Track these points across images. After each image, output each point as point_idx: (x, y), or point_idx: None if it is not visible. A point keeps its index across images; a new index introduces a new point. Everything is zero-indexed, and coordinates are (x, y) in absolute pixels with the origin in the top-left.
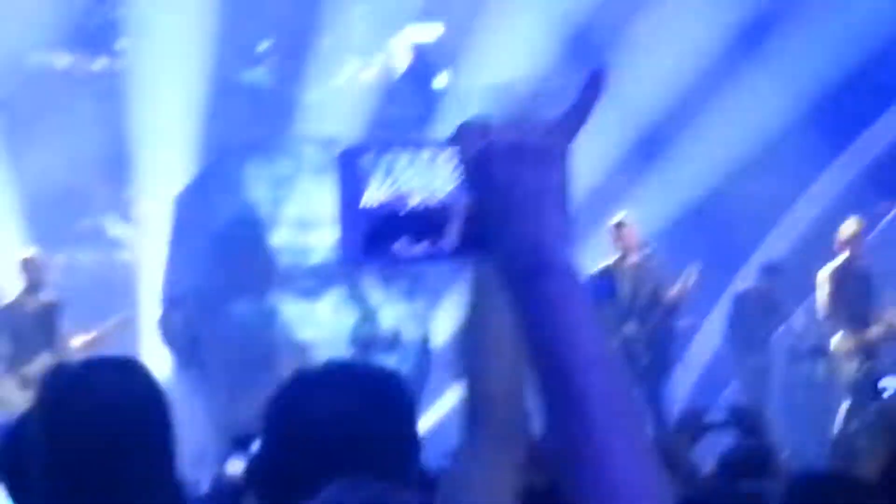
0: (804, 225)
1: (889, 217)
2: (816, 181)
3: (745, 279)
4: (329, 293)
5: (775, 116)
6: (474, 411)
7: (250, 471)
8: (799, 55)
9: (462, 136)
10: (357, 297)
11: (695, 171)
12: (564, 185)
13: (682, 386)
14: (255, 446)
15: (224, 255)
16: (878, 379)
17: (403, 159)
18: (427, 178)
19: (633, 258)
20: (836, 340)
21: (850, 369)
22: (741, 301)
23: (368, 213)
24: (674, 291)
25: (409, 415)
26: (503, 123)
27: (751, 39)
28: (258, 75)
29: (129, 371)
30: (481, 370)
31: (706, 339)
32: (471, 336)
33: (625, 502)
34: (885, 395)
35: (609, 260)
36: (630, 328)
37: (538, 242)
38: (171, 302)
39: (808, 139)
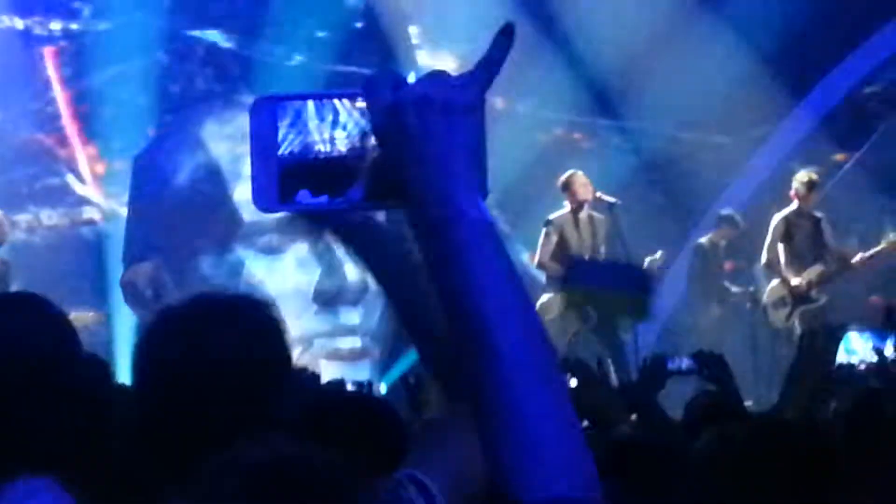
0: (762, 175)
1: (845, 167)
2: (773, 133)
3: (705, 230)
4: (293, 248)
5: (732, 68)
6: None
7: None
8: (754, 6)
9: (372, 88)
10: (321, 251)
11: (652, 124)
12: (477, 136)
13: (645, 334)
14: None
15: (187, 212)
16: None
17: (315, 109)
18: (339, 128)
19: (586, 211)
20: (771, 287)
21: (777, 318)
22: (700, 251)
23: (280, 160)
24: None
25: (278, 342)
26: (414, 76)
27: None
28: (216, 35)
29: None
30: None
31: (668, 289)
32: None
33: (540, 455)
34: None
35: (562, 212)
36: None
37: (448, 193)
38: (135, 260)
39: (764, 91)
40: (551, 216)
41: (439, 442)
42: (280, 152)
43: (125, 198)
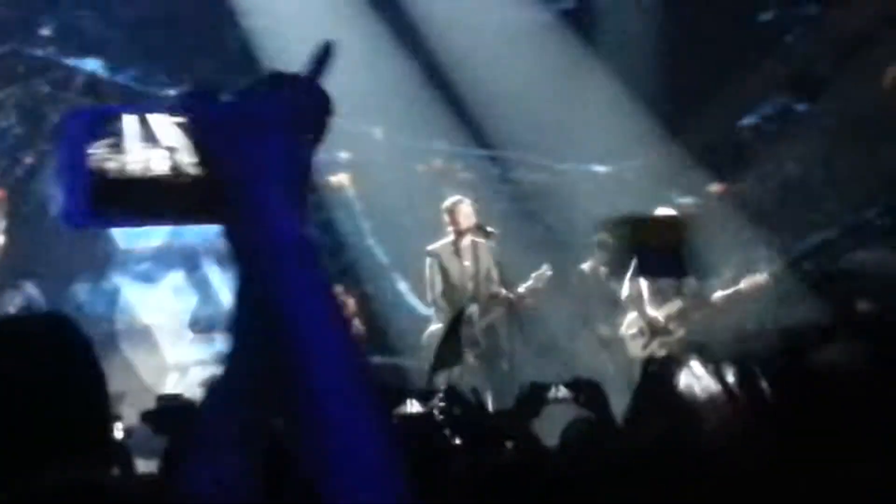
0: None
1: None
2: (651, 163)
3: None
4: (169, 275)
5: (609, 99)
6: None
7: None
8: (631, 39)
9: (189, 104)
10: (198, 280)
11: (530, 155)
12: (293, 154)
13: (524, 361)
14: None
15: (63, 239)
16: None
17: (132, 124)
18: (155, 144)
19: (469, 239)
20: (629, 319)
21: (634, 348)
22: (581, 277)
23: (93, 175)
24: (525, 293)
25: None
26: (228, 93)
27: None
28: (95, 64)
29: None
30: None
31: (550, 317)
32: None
33: (352, 472)
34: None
35: (445, 240)
36: (471, 312)
37: (263, 210)
38: (10, 287)
39: (641, 122)
40: (430, 247)
41: None
42: (93, 167)
43: (2, 226)
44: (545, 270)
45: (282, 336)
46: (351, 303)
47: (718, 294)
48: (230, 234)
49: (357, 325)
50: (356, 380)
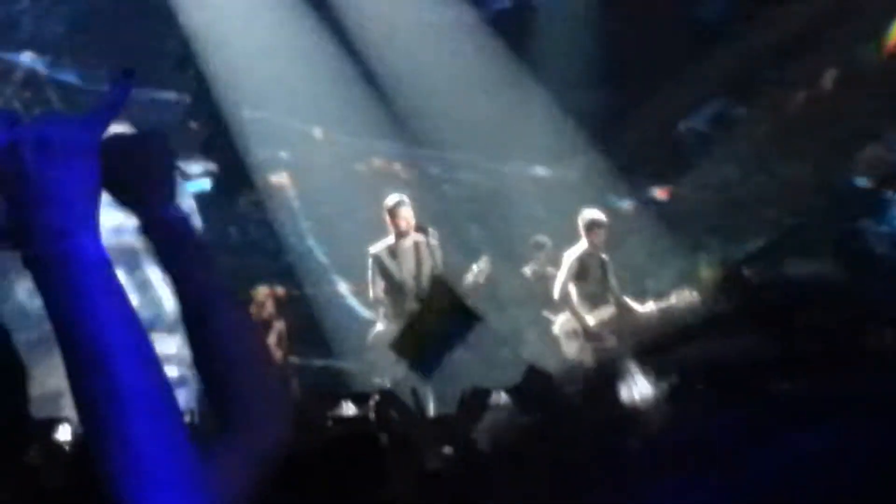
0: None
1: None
2: (593, 165)
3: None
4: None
5: (551, 101)
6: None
7: None
8: (574, 39)
9: None
10: (137, 279)
11: (471, 156)
12: (96, 175)
13: (469, 365)
14: None
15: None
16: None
17: None
18: None
19: (410, 239)
20: (561, 320)
21: (570, 349)
22: (525, 282)
23: None
24: (470, 291)
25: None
26: (31, 116)
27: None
28: (33, 59)
29: None
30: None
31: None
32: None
33: (149, 477)
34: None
35: (386, 241)
36: (411, 306)
37: (64, 232)
38: None
39: (584, 123)
40: (372, 248)
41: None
42: None
43: None
44: (484, 264)
45: (80, 353)
46: (269, 303)
47: (650, 305)
48: (34, 255)
49: (278, 324)
50: (157, 395)
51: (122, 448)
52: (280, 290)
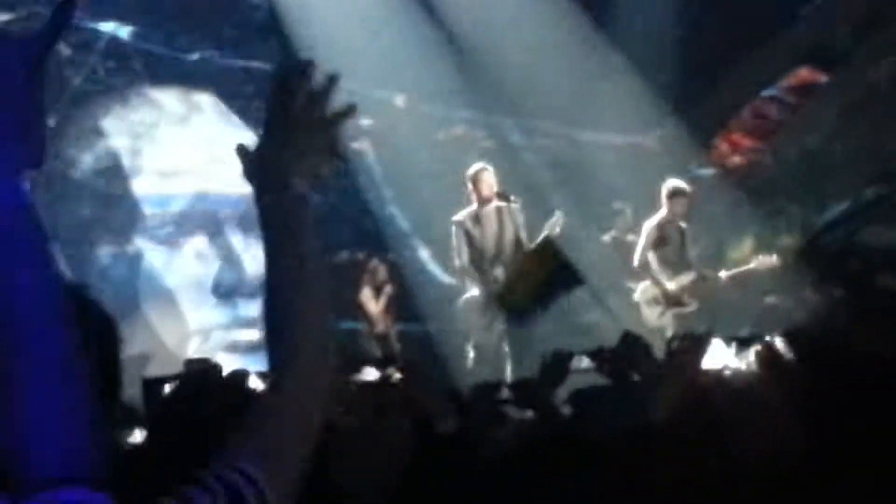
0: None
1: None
2: (670, 134)
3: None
4: (192, 240)
5: (629, 73)
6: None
7: None
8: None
9: None
10: (219, 244)
11: (550, 124)
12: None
13: (547, 331)
14: None
15: (85, 203)
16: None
17: None
18: None
19: (492, 206)
20: (642, 287)
21: (651, 315)
22: (605, 249)
23: None
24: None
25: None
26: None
27: None
28: (118, 27)
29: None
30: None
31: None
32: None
33: (44, 442)
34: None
35: (469, 209)
36: (496, 275)
37: None
38: None
39: (662, 95)
40: (455, 217)
41: (265, 435)
42: None
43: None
44: (557, 218)
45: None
46: (381, 270)
47: (731, 272)
48: None
49: (388, 290)
50: (57, 362)
51: (23, 407)
52: (391, 258)
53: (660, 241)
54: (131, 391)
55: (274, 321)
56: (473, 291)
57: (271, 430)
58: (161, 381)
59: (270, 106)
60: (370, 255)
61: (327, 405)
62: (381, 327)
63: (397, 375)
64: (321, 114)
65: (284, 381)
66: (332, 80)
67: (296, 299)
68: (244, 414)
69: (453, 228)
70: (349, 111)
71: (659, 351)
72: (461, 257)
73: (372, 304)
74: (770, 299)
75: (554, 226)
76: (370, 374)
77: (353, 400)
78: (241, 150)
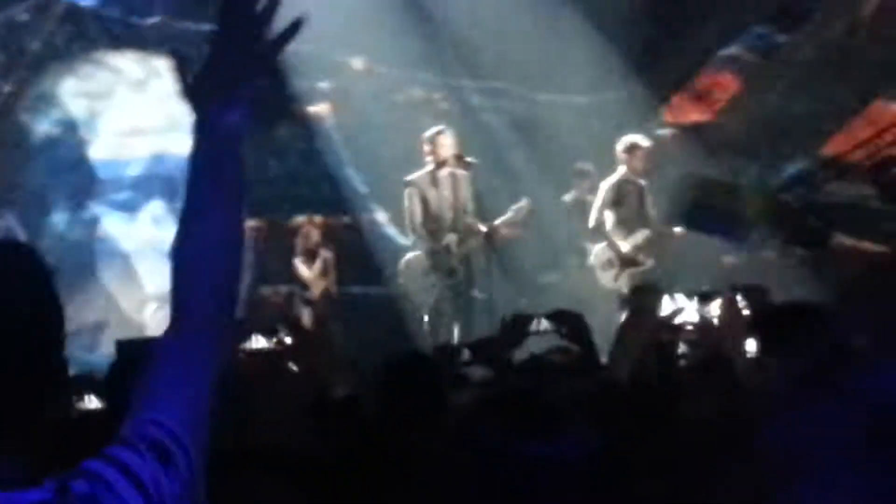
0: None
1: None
2: (628, 94)
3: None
4: (149, 205)
5: (587, 33)
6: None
7: None
8: None
9: None
10: (177, 209)
11: (510, 85)
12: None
13: (501, 291)
14: None
15: (43, 169)
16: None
17: None
18: None
19: (448, 169)
20: (597, 250)
21: (605, 278)
22: (566, 209)
23: None
24: (507, 225)
25: (45, 295)
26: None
27: None
28: None
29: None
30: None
31: (525, 249)
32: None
33: None
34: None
35: (424, 170)
36: (448, 241)
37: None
38: None
39: (620, 54)
40: (409, 177)
41: (177, 376)
42: None
43: None
44: (524, 204)
45: None
46: (314, 233)
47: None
48: None
49: (323, 253)
50: None
51: None
52: (325, 220)
53: (617, 201)
54: (91, 355)
55: (178, 254)
56: (417, 252)
57: (177, 379)
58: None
59: (216, 27)
60: (331, 217)
61: (228, 346)
62: (315, 291)
63: (288, 341)
64: (262, 35)
65: (182, 324)
66: (296, 25)
67: (201, 229)
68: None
69: (406, 189)
70: (294, 31)
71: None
72: (413, 219)
73: (304, 268)
74: (727, 257)
75: (519, 211)
76: (261, 341)
77: (245, 368)
78: (188, 91)
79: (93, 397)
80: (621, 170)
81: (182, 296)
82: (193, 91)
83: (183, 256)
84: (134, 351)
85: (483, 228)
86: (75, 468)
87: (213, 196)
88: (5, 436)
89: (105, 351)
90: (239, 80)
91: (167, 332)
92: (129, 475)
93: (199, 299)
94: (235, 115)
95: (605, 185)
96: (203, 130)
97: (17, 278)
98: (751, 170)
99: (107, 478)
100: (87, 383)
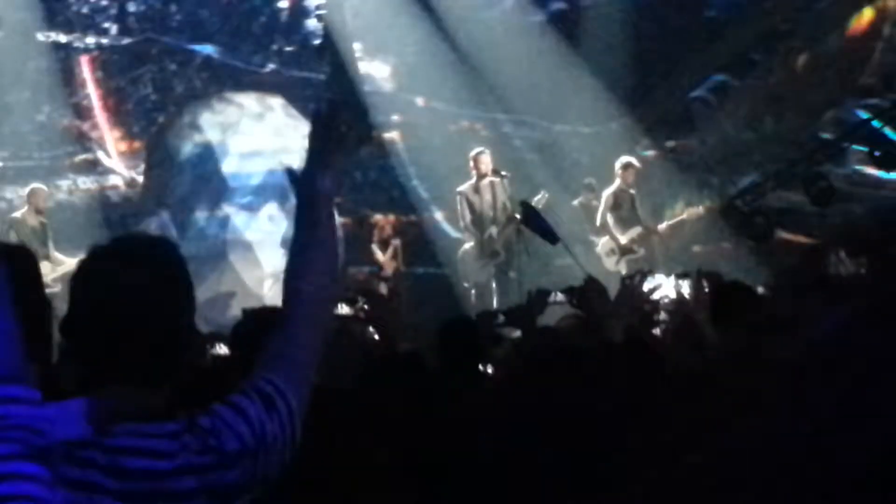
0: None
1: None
2: (625, 124)
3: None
4: (266, 206)
5: (593, 75)
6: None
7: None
8: (607, 29)
9: None
10: (287, 209)
11: (533, 118)
12: None
13: (530, 274)
14: None
15: (188, 180)
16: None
17: None
18: None
19: (488, 180)
20: (602, 242)
21: (609, 263)
22: (576, 211)
23: None
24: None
25: (180, 275)
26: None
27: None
28: (210, 48)
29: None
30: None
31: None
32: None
33: None
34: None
35: (470, 181)
36: (491, 232)
37: None
38: (149, 214)
39: (620, 92)
40: (460, 187)
41: (286, 349)
42: None
43: (142, 169)
44: (542, 195)
45: None
46: (387, 226)
47: (664, 225)
48: None
49: (394, 242)
50: None
51: None
52: (396, 217)
53: (615, 205)
54: (223, 318)
55: (291, 264)
56: (470, 243)
57: (291, 341)
58: (253, 310)
59: (312, 132)
60: (386, 217)
61: (328, 326)
62: (388, 271)
63: (364, 308)
64: (345, 139)
65: (294, 310)
66: (368, 135)
67: (309, 250)
68: (267, 337)
69: (458, 196)
70: (368, 138)
71: (614, 289)
72: (464, 219)
73: (379, 253)
74: (696, 248)
75: (539, 201)
76: (345, 309)
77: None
78: (291, 174)
79: (223, 348)
80: (618, 182)
81: (295, 288)
82: (305, 166)
83: (296, 266)
84: (255, 316)
85: (517, 219)
86: (204, 407)
87: (312, 239)
88: (154, 378)
89: (233, 314)
90: (329, 161)
91: (282, 312)
92: (241, 414)
93: (307, 293)
94: (328, 181)
95: (606, 193)
96: (309, 190)
97: (165, 264)
98: (713, 182)
99: (224, 416)
100: (220, 338)
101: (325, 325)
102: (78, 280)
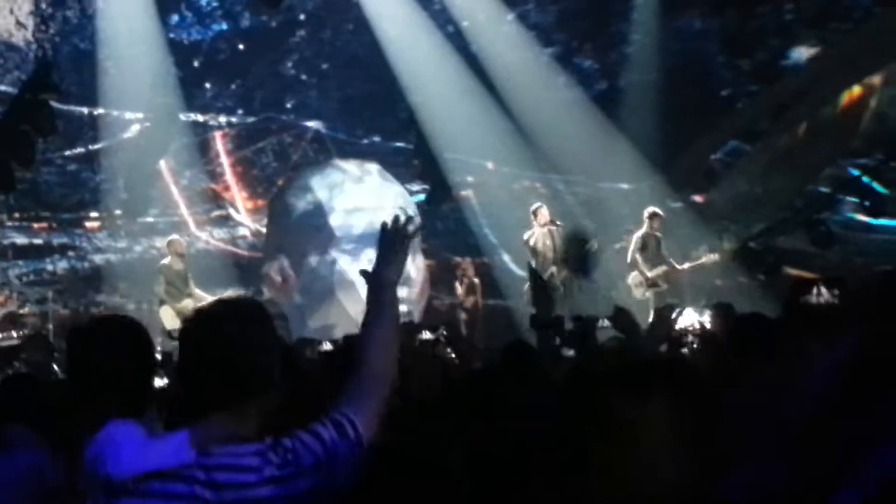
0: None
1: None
2: (657, 181)
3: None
4: (366, 251)
5: (631, 140)
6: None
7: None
8: (643, 102)
9: None
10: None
11: (580, 177)
12: None
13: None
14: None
15: (302, 230)
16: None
17: None
18: None
19: (546, 229)
20: (632, 276)
21: (637, 294)
22: (636, 244)
23: None
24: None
25: (265, 330)
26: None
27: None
28: (318, 124)
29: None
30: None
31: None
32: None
33: None
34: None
35: (532, 230)
36: (552, 271)
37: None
38: (271, 259)
39: (654, 154)
40: (525, 235)
41: (357, 392)
42: None
43: (265, 222)
44: (594, 241)
45: None
46: (470, 267)
47: (685, 265)
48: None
49: (475, 280)
50: None
51: None
52: (472, 259)
53: (643, 246)
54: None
55: (362, 335)
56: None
57: (361, 386)
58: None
59: (380, 238)
60: (464, 259)
61: (389, 374)
62: (467, 303)
63: (444, 334)
64: (406, 241)
65: (367, 356)
66: (413, 223)
67: (377, 322)
68: (343, 382)
69: (525, 244)
70: (416, 234)
71: (644, 315)
72: (529, 261)
73: (461, 289)
74: (717, 282)
75: (592, 246)
76: (428, 334)
77: (416, 350)
78: (364, 272)
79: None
80: (645, 227)
81: (362, 355)
82: (375, 263)
83: (365, 340)
84: (351, 342)
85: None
86: (289, 433)
87: (379, 314)
88: (248, 404)
89: (338, 339)
90: (393, 259)
91: (358, 361)
92: (317, 437)
93: (372, 358)
94: (392, 273)
95: (635, 237)
96: (376, 281)
97: (249, 321)
98: (731, 228)
99: (303, 438)
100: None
101: (385, 375)
102: (184, 335)
